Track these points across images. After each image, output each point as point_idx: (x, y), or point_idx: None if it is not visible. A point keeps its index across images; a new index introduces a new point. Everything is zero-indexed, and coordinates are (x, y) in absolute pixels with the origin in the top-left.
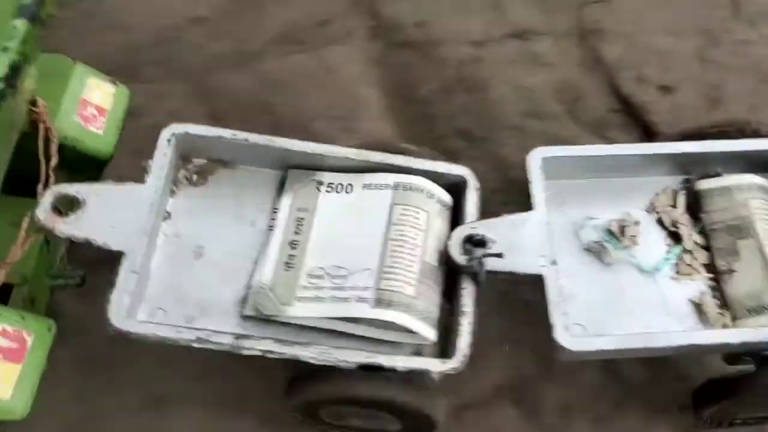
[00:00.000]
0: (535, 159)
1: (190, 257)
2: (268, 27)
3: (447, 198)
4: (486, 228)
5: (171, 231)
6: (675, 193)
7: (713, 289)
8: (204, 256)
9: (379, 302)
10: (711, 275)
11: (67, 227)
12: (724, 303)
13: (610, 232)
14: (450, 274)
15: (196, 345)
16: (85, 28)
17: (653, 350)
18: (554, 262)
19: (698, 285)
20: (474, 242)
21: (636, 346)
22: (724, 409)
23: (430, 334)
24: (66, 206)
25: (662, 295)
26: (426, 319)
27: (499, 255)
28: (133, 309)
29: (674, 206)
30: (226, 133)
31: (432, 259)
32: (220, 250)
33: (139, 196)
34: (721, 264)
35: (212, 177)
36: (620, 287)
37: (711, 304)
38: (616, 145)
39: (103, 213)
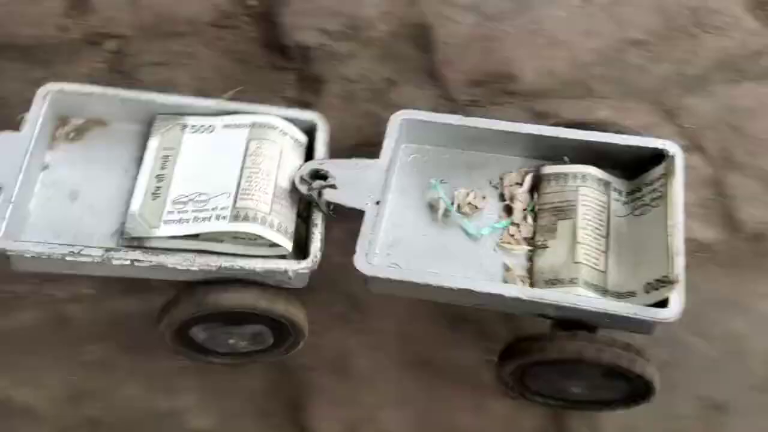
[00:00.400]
0: (396, 120)
1: (66, 200)
2: (705, 53)
3: (301, 137)
4: (332, 166)
5: (48, 180)
6: (525, 174)
7: (527, 260)
8: (79, 199)
9: (236, 217)
10: (529, 248)
11: None
12: (530, 273)
13: (445, 191)
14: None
15: (68, 258)
16: (531, 43)
17: (440, 291)
18: (378, 203)
19: (517, 256)
20: (318, 176)
21: (424, 282)
22: (520, 371)
23: (285, 243)
24: None
25: (480, 257)
26: (281, 231)
27: (332, 186)
28: (14, 234)
29: (521, 185)
30: (97, 89)
31: (285, 185)
32: (95, 194)
33: (15, 142)
34: (539, 239)
35: (89, 134)
36: (445, 244)
37: (518, 270)
38: (477, 118)
39: None
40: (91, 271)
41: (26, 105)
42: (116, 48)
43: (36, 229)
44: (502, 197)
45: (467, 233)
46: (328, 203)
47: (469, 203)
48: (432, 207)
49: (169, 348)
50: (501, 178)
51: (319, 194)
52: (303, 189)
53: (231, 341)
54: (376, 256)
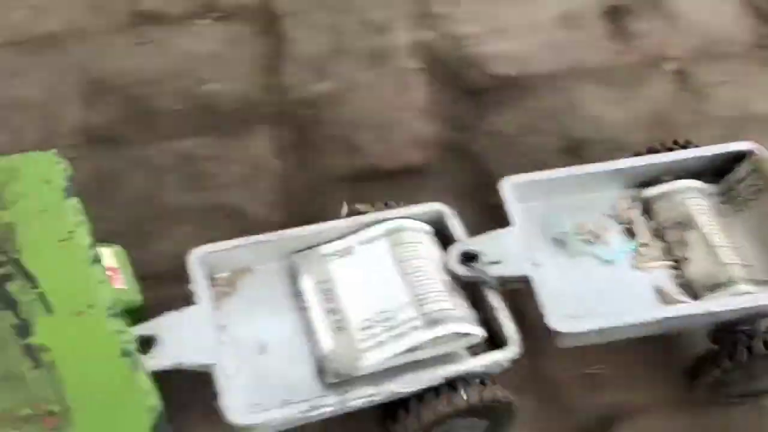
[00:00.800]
0: (507, 185)
1: (256, 354)
2: None
3: (427, 227)
4: (476, 244)
5: (231, 339)
6: (632, 200)
7: (671, 277)
8: (267, 350)
9: (431, 322)
10: (669, 263)
11: (157, 361)
12: (685, 287)
13: (574, 226)
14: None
15: (312, 413)
16: None
17: (642, 326)
18: (536, 264)
19: (657, 274)
20: (468, 257)
21: (626, 323)
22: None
23: (479, 332)
24: (144, 346)
25: (625, 283)
26: (470, 321)
27: (497, 262)
28: (242, 407)
29: (630, 209)
30: (239, 242)
31: (445, 277)
32: (279, 340)
33: (198, 316)
34: (677, 254)
35: (239, 284)
36: (587, 279)
37: (671, 288)
38: (574, 166)
39: (177, 339)
40: (321, 416)
41: None
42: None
43: (245, 392)
44: (619, 223)
45: (602, 260)
46: (497, 278)
47: (591, 231)
48: (558, 242)
49: None
50: (612, 207)
51: (484, 272)
52: (468, 272)
53: None
54: (559, 311)
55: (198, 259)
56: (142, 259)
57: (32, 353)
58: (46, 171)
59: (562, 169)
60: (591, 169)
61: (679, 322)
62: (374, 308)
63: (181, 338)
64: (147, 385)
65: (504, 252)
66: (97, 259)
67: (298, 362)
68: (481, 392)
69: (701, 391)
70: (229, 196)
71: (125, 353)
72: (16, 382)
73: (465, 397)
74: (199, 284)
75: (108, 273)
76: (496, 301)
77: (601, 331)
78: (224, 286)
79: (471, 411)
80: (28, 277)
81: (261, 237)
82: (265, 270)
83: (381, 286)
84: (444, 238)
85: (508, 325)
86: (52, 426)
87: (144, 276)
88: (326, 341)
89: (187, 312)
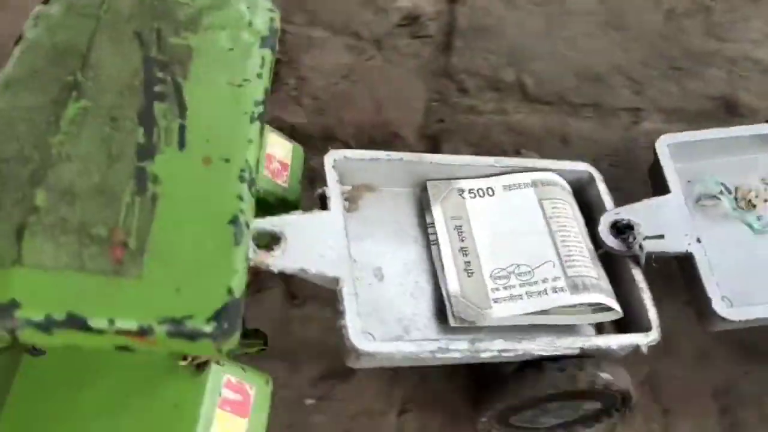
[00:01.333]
0: (662, 145)
1: (374, 280)
2: None
3: (570, 188)
4: (628, 213)
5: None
6: None
7: None
8: (385, 278)
9: (575, 288)
10: None
11: (280, 261)
12: None
13: (726, 188)
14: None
15: (439, 355)
16: None
17: None
18: (698, 240)
19: None
20: (619, 228)
21: None
22: None
23: (619, 310)
24: (267, 244)
25: None
26: (612, 297)
27: (660, 236)
28: (365, 331)
29: None
30: (380, 154)
31: (590, 245)
32: (397, 270)
33: (330, 223)
34: None
35: (362, 202)
36: (743, 253)
37: None
38: (731, 127)
39: (304, 243)
40: (444, 361)
41: None
42: None
43: (363, 318)
44: None
45: (753, 229)
46: (649, 255)
47: (748, 200)
48: (702, 203)
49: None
50: (763, 178)
51: (641, 247)
52: (618, 245)
53: (551, 419)
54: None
55: (334, 162)
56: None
57: (141, 178)
58: (255, 14)
59: (719, 129)
60: (750, 131)
61: None
62: (511, 259)
63: (309, 243)
64: (240, 265)
65: (663, 225)
66: (260, 119)
67: (416, 297)
68: (620, 375)
69: None
70: None
71: (234, 221)
72: (109, 200)
73: (608, 377)
74: (332, 189)
75: (276, 166)
76: (641, 280)
77: None
78: (346, 200)
79: (596, 393)
80: (179, 105)
81: (399, 154)
82: (391, 193)
83: (522, 236)
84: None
85: (651, 309)
86: (116, 258)
87: None
88: (453, 282)
89: (319, 216)
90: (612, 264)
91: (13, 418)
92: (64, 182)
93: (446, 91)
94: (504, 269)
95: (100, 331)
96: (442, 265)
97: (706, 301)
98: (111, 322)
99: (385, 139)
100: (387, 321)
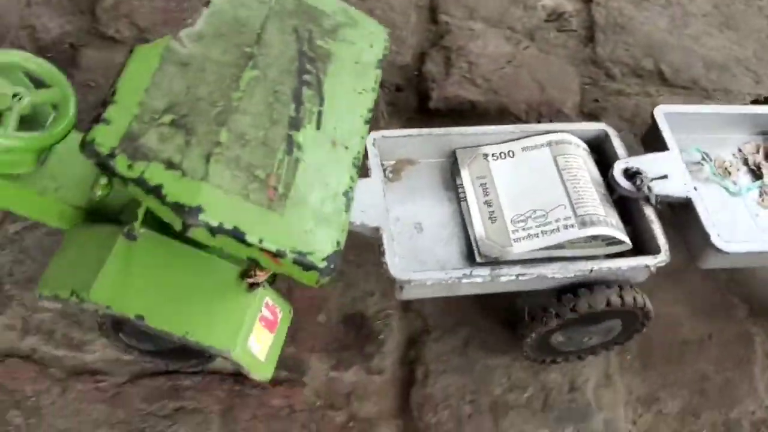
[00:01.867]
0: (660, 113)
1: (414, 232)
2: None
3: (585, 146)
4: (637, 162)
5: (392, 217)
6: (758, 146)
7: None
8: (424, 230)
9: (583, 224)
10: None
11: None
12: None
13: (708, 156)
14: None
15: (465, 281)
16: None
17: None
18: (695, 188)
19: None
20: (629, 174)
21: None
22: None
23: (627, 240)
24: None
25: (752, 215)
26: (620, 230)
27: (665, 177)
28: (402, 265)
29: (757, 153)
30: (407, 132)
31: (602, 190)
32: (433, 224)
33: (371, 186)
34: None
35: (404, 173)
36: (721, 207)
37: None
38: (718, 105)
39: None
40: (473, 290)
41: None
42: None
43: (405, 260)
44: (745, 163)
45: (729, 192)
46: (657, 196)
47: (725, 168)
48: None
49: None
50: (740, 150)
51: (649, 189)
52: (629, 186)
53: (586, 339)
54: (717, 234)
55: (374, 140)
56: None
57: (290, 143)
58: (374, 38)
59: (705, 105)
60: (730, 110)
61: None
62: (529, 206)
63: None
64: (347, 226)
65: (666, 173)
66: (369, 122)
67: (450, 244)
68: (635, 294)
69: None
70: None
71: (346, 194)
72: (268, 152)
73: (621, 297)
74: (372, 161)
75: None
76: (652, 214)
77: (757, 255)
78: (391, 173)
79: (615, 313)
80: (320, 95)
81: (428, 130)
82: (428, 164)
83: (537, 187)
84: (599, 163)
85: (661, 235)
86: (270, 197)
87: None
88: (479, 228)
89: (362, 182)
90: (627, 208)
91: (107, 283)
92: (241, 129)
93: (596, 77)
94: (522, 215)
95: (249, 245)
96: (470, 216)
97: (705, 237)
98: (260, 241)
99: (551, 115)
100: (426, 263)
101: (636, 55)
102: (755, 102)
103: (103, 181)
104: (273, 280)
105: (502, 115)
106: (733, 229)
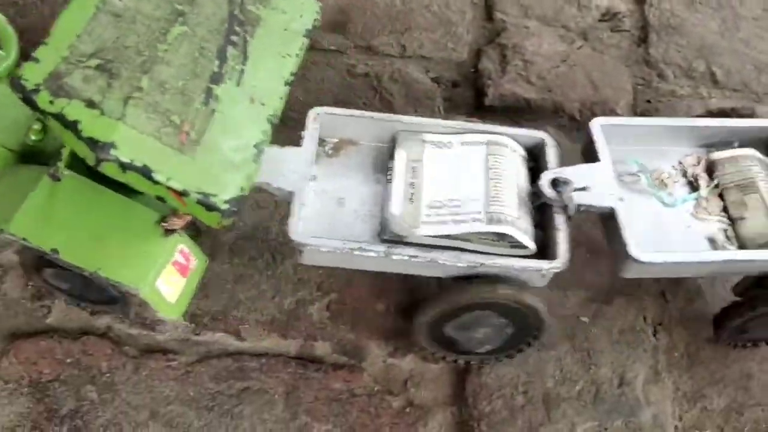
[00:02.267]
0: (596, 125)
1: (335, 206)
2: None
3: (524, 153)
4: (568, 173)
5: (318, 188)
6: (699, 159)
7: (725, 230)
8: (345, 206)
9: (491, 220)
10: (725, 219)
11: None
12: (738, 243)
13: (645, 167)
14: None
15: (357, 253)
16: None
17: (708, 265)
18: (621, 199)
19: (712, 225)
20: (557, 183)
21: (696, 260)
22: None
23: (531, 245)
24: None
25: (684, 227)
26: (527, 234)
27: (584, 188)
28: (305, 231)
29: (697, 165)
30: (352, 112)
31: (524, 195)
32: (356, 200)
33: (298, 155)
34: (734, 213)
35: (343, 151)
36: (653, 218)
37: (722, 240)
38: (657, 117)
39: (274, 166)
40: (369, 265)
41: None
42: None
43: (314, 229)
44: (684, 175)
45: (663, 203)
46: (579, 206)
47: (661, 180)
48: (623, 180)
49: (421, 345)
50: (680, 162)
51: (570, 198)
52: (553, 195)
53: (477, 336)
54: (635, 244)
55: (316, 114)
56: None
57: (209, 94)
58: (305, 9)
59: (644, 118)
60: (669, 122)
61: (734, 267)
62: (449, 195)
63: (277, 167)
64: (254, 175)
65: (593, 184)
66: (290, 84)
67: (366, 222)
68: (516, 291)
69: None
70: None
71: (257, 146)
72: (186, 101)
73: (499, 289)
74: (308, 132)
75: None
76: (561, 223)
77: (674, 265)
78: (331, 149)
79: (500, 308)
80: (244, 55)
81: (372, 113)
82: (369, 146)
83: (462, 179)
84: (534, 170)
85: (563, 244)
86: (182, 140)
87: None
88: (396, 206)
89: (291, 150)
90: (549, 215)
91: (26, 217)
92: (162, 78)
93: (648, 78)
94: (440, 201)
95: (156, 182)
96: (390, 193)
97: (624, 247)
98: (168, 179)
99: (605, 114)
100: (334, 234)
101: (688, 57)
102: (703, 115)
103: (37, 126)
104: (198, 234)
105: (556, 113)
106: (662, 240)
